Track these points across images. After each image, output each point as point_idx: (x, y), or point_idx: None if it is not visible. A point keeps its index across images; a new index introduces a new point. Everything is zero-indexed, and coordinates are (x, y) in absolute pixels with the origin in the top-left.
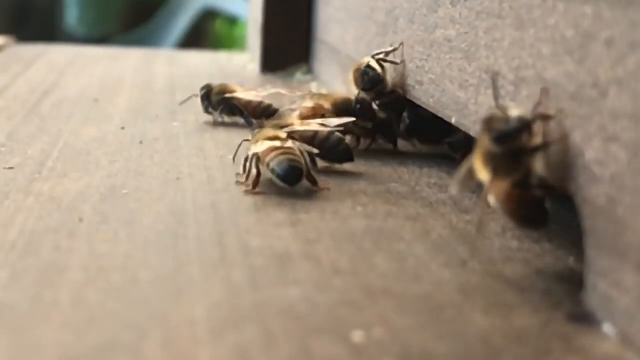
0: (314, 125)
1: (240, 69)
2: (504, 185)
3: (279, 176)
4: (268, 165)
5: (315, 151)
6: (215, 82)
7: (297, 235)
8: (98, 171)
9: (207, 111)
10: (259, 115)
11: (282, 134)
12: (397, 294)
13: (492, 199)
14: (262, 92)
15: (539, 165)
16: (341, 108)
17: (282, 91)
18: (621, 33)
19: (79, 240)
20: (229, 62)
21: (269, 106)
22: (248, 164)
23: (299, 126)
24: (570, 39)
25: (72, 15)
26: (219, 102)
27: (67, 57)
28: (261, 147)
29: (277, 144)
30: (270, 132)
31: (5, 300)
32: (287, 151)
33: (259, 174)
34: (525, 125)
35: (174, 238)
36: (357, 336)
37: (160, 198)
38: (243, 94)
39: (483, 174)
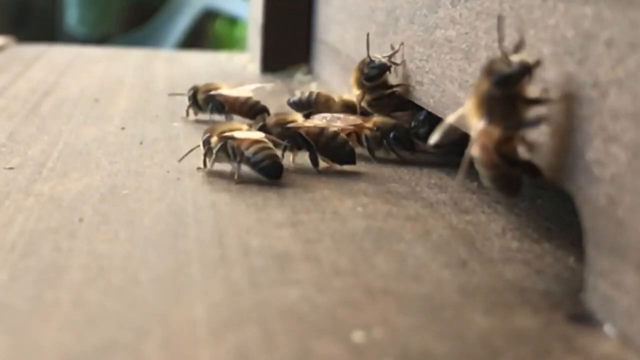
0: (318, 123)
1: (240, 69)
2: (496, 132)
3: (261, 169)
4: (248, 160)
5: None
6: (215, 82)
7: (297, 235)
8: (98, 171)
9: (195, 113)
10: (245, 112)
11: (244, 127)
12: (397, 294)
13: (477, 150)
14: (249, 87)
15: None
16: (380, 129)
17: (259, 85)
18: (621, 33)
19: (79, 241)
20: (229, 63)
21: (257, 103)
22: (214, 152)
23: (306, 123)
24: (571, 39)
25: (72, 15)
26: (206, 100)
27: (67, 58)
28: (239, 136)
29: (255, 136)
30: (234, 125)
31: (5, 300)
32: (267, 145)
33: (240, 163)
34: (527, 70)
35: (174, 238)
36: (357, 336)
37: (160, 198)
38: (229, 90)
39: (475, 121)
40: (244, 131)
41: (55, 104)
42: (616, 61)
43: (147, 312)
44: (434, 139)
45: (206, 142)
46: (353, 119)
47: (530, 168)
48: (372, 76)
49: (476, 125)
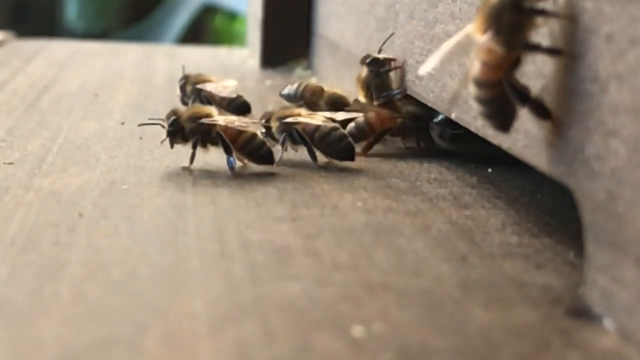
0: (319, 118)
1: (239, 64)
2: (499, 51)
3: (259, 158)
4: (242, 148)
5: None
6: (205, 74)
7: (297, 230)
8: (98, 166)
9: (182, 102)
10: (225, 107)
11: (214, 110)
12: (396, 289)
13: (476, 66)
14: (231, 81)
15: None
16: (420, 118)
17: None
18: (621, 28)
19: (79, 235)
20: (229, 57)
21: (237, 98)
22: (194, 146)
23: (304, 118)
24: (570, 33)
25: (71, 10)
26: (192, 92)
27: (67, 52)
28: (227, 124)
29: (241, 123)
30: (205, 109)
31: (5, 295)
32: (256, 134)
33: (230, 152)
34: None
35: (174, 233)
36: (357, 331)
37: (160, 193)
38: (213, 85)
39: (479, 35)
40: (224, 117)
41: (54, 98)
42: (616, 56)
43: (147, 306)
44: (427, 66)
45: (174, 124)
46: (382, 112)
47: (539, 107)
48: (376, 58)
49: (479, 40)
